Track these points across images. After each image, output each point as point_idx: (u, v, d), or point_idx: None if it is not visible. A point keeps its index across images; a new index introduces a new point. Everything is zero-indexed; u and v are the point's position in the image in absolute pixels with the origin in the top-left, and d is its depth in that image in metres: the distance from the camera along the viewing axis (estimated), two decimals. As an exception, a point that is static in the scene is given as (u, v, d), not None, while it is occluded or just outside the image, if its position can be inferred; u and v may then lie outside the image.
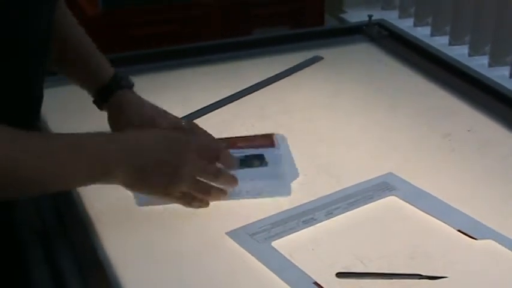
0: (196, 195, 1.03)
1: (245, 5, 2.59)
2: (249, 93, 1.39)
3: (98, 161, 0.95)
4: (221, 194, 1.05)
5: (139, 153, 0.98)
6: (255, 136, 1.22)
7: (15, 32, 0.92)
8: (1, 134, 0.87)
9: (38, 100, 1.05)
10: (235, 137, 1.20)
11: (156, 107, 1.15)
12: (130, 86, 1.16)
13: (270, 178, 1.11)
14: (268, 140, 1.20)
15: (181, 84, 1.19)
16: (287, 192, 1.09)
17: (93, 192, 1.05)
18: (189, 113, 1.29)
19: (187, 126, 1.14)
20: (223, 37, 1.73)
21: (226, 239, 0.99)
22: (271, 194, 1.08)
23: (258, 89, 1.42)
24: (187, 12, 2.50)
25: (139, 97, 1.16)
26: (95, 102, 1.17)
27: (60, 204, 1.05)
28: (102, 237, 1.00)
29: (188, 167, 1.00)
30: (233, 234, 1.00)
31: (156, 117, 1.12)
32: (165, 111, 1.14)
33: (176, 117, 1.15)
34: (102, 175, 0.95)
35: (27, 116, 1.04)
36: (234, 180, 1.05)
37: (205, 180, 1.03)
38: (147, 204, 1.06)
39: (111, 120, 1.15)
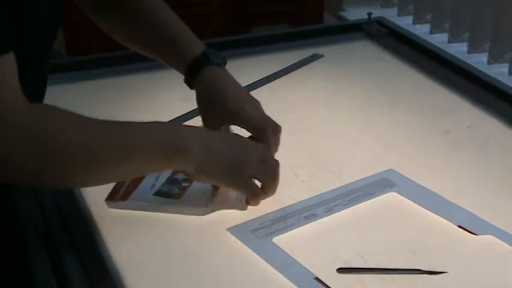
0: (264, 179, 1.03)
1: (244, 3, 2.60)
2: (248, 91, 1.39)
3: (173, 135, 0.97)
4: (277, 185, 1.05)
5: (211, 136, 1.02)
6: None
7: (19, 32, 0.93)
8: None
9: (41, 94, 1.06)
10: None
11: (250, 96, 1.15)
12: (221, 63, 1.15)
13: None
14: None
15: (181, 82, 1.19)
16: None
17: (97, 194, 1.05)
18: (188, 111, 1.29)
19: (272, 127, 1.11)
20: (223, 35, 1.73)
21: (227, 235, 1.00)
22: None
23: (257, 87, 1.42)
24: (187, 10, 2.51)
25: (229, 78, 1.15)
26: (185, 81, 1.15)
27: (64, 206, 1.06)
28: (105, 236, 1.00)
29: (254, 155, 1.02)
30: (234, 230, 1.00)
31: (249, 108, 1.11)
32: (257, 104, 1.14)
33: (267, 117, 1.13)
34: (177, 152, 0.95)
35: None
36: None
37: None
38: (116, 207, 1.06)
39: (198, 102, 1.13)
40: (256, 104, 1.13)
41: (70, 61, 1.41)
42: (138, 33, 1.18)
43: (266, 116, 1.12)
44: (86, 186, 1.03)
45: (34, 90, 1.03)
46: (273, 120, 1.12)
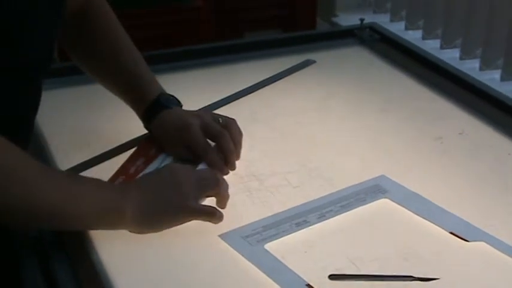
0: (208, 191, 1.01)
1: (236, 8, 2.60)
2: (240, 97, 1.39)
3: (102, 195, 0.96)
4: (226, 187, 1.04)
5: (138, 186, 1.00)
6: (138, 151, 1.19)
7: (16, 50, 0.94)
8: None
9: (35, 102, 1.06)
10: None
11: (193, 112, 1.16)
12: (175, 105, 1.18)
13: None
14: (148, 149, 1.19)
15: (171, 88, 1.19)
16: None
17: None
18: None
19: (223, 124, 1.14)
20: (215, 41, 1.73)
21: (219, 241, 0.99)
22: None
23: (249, 93, 1.42)
24: (178, 15, 2.51)
25: (180, 109, 1.18)
26: (144, 126, 1.19)
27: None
28: (95, 242, 0.99)
29: (189, 178, 1.00)
30: (226, 236, 1.00)
31: (190, 118, 1.13)
32: (202, 113, 1.16)
33: (213, 116, 1.16)
34: (107, 213, 0.95)
35: (23, 117, 1.04)
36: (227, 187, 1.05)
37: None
38: None
39: (157, 139, 1.17)
40: (193, 118, 1.14)
41: (62, 66, 1.40)
42: (96, 67, 1.22)
43: (212, 120, 1.15)
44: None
45: (26, 108, 1.04)
46: (223, 117, 1.16)
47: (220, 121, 1.15)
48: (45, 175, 0.93)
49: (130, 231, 0.98)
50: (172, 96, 1.19)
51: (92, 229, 0.99)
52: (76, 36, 1.19)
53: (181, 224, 0.99)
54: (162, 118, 1.16)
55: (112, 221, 0.96)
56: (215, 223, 1.00)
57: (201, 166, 1.11)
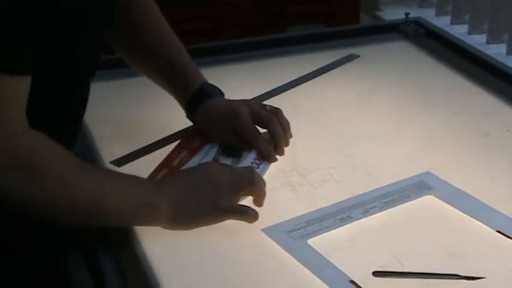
0: (243, 192, 1.00)
1: (280, 2, 2.59)
2: (283, 91, 1.39)
3: (136, 190, 0.97)
4: (263, 186, 1.03)
5: (173, 183, 1.00)
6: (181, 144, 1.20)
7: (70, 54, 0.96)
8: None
9: (84, 99, 1.08)
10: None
11: (240, 100, 1.18)
12: (218, 96, 1.19)
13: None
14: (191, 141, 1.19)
15: (215, 81, 1.19)
16: None
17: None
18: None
19: (271, 112, 1.16)
20: (258, 35, 1.73)
21: (262, 235, 0.99)
22: None
23: (292, 87, 1.41)
24: (223, 9, 2.51)
25: (225, 99, 1.19)
26: (187, 117, 1.20)
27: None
28: (140, 235, 1.00)
29: (224, 179, 1.00)
30: (269, 230, 1.00)
31: (238, 106, 1.15)
32: (250, 101, 1.18)
33: (260, 104, 1.19)
34: (142, 208, 0.96)
35: (73, 114, 1.06)
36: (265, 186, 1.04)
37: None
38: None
39: (203, 127, 1.19)
40: (241, 105, 1.16)
41: (106, 59, 1.41)
42: (142, 59, 1.23)
43: (259, 108, 1.16)
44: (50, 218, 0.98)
45: (74, 108, 1.05)
46: (269, 106, 1.18)
47: (268, 109, 1.16)
48: (81, 170, 0.93)
49: (163, 228, 0.98)
50: (215, 86, 1.19)
51: (128, 225, 0.99)
52: (122, 30, 1.19)
53: (214, 223, 0.99)
54: (207, 107, 1.17)
55: (146, 216, 0.96)
56: (249, 222, 0.99)
57: (251, 155, 1.11)
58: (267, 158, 1.12)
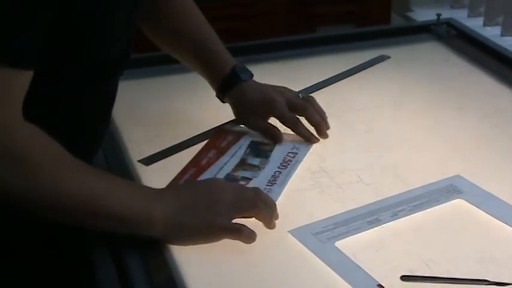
0: (244, 214, 0.98)
1: (310, 2, 2.58)
2: (313, 91, 1.38)
3: (131, 195, 0.95)
4: (268, 208, 1.00)
5: (175, 194, 0.98)
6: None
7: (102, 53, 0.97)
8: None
9: (112, 95, 1.08)
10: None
11: (274, 87, 1.22)
12: (248, 78, 1.22)
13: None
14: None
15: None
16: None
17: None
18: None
19: (305, 100, 1.21)
20: (288, 34, 1.72)
21: (289, 237, 0.98)
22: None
23: (323, 87, 1.40)
24: (252, 8, 2.51)
25: (258, 84, 1.22)
26: (217, 96, 1.23)
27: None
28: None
29: (226, 198, 0.97)
30: (296, 232, 0.99)
31: (273, 94, 1.19)
32: (283, 89, 1.22)
33: (293, 92, 1.23)
34: (135, 214, 0.94)
35: (101, 110, 1.06)
36: (274, 208, 1.01)
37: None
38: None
39: (235, 115, 1.23)
40: (277, 91, 1.21)
41: (134, 58, 1.41)
42: (176, 45, 1.26)
43: (294, 96, 1.22)
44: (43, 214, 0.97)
45: (101, 107, 1.05)
46: (303, 94, 1.25)
47: (301, 96, 1.21)
48: (74, 168, 0.92)
49: (159, 238, 0.96)
50: (246, 68, 1.23)
51: (121, 230, 0.96)
52: (155, 18, 1.22)
53: (209, 241, 0.96)
54: (239, 90, 1.20)
55: (139, 224, 0.94)
56: (245, 243, 0.96)
57: (277, 159, 1.12)
58: (309, 139, 1.18)
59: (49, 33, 0.87)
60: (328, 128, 1.21)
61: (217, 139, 1.20)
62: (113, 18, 0.96)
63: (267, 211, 0.99)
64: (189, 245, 0.96)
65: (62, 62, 0.92)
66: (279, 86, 1.23)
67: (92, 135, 1.00)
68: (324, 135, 1.20)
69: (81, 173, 0.92)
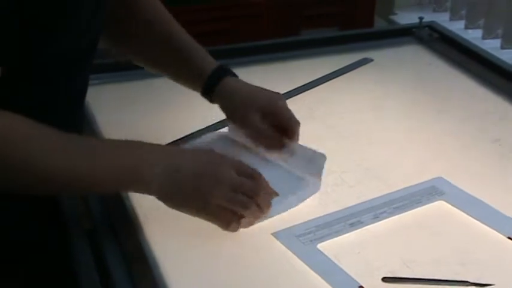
0: (234, 209, 0.97)
1: (294, 5, 2.59)
2: (296, 94, 1.39)
3: (128, 161, 0.94)
4: (259, 212, 0.99)
5: (174, 157, 0.97)
6: None
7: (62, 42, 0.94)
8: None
9: (82, 92, 1.07)
10: None
11: (271, 91, 1.16)
12: (235, 74, 1.18)
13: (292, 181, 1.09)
14: None
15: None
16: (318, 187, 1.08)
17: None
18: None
19: (280, 103, 1.15)
20: (271, 37, 1.73)
21: (271, 239, 0.99)
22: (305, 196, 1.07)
23: (306, 90, 1.41)
24: (237, 11, 2.51)
25: (248, 83, 1.17)
26: (203, 94, 1.17)
27: (110, 205, 1.06)
28: (149, 236, 1.00)
29: (226, 179, 0.96)
30: (279, 235, 1.00)
31: (274, 93, 1.16)
32: (281, 96, 1.17)
33: (275, 93, 1.17)
34: (131, 178, 0.94)
35: (70, 106, 1.05)
36: (268, 205, 1.01)
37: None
38: None
39: (227, 110, 1.16)
40: (281, 95, 1.17)
41: (119, 61, 1.41)
42: (145, 48, 1.20)
43: (276, 93, 1.17)
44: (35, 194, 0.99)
45: (73, 98, 1.04)
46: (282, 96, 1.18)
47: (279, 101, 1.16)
48: (61, 148, 0.91)
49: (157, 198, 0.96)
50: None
51: (112, 189, 0.97)
52: (124, 31, 1.18)
53: (196, 216, 0.97)
54: (234, 83, 1.15)
55: (130, 181, 0.94)
56: (230, 231, 0.98)
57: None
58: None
59: (14, 26, 0.86)
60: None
61: None
62: (82, 7, 0.94)
63: (254, 214, 0.99)
64: (177, 206, 0.96)
65: (30, 55, 0.91)
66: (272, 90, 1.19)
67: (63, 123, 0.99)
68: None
69: (67, 153, 0.91)
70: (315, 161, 1.11)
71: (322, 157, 1.11)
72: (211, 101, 1.17)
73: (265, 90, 1.16)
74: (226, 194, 0.96)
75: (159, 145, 0.99)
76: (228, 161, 1.00)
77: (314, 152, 1.12)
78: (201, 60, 1.17)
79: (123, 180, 0.94)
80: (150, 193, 0.95)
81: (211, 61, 1.17)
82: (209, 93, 1.16)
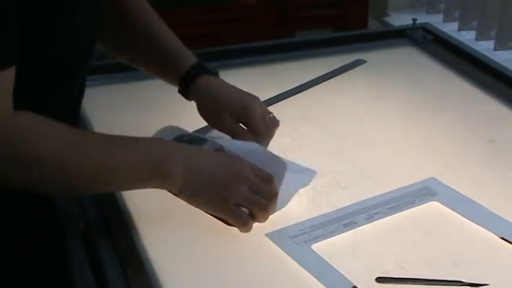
0: (252, 210, 0.98)
1: (288, 7, 2.59)
2: (290, 96, 1.39)
3: (155, 154, 0.96)
4: (269, 214, 1.01)
5: (199, 156, 0.99)
6: None
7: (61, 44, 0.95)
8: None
9: (80, 93, 1.07)
10: None
11: (247, 94, 1.15)
12: (215, 72, 1.16)
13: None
14: None
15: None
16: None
17: (136, 194, 1.05)
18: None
19: (271, 123, 1.14)
20: (266, 39, 1.73)
21: (266, 240, 0.99)
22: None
23: (299, 92, 1.41)
24: (230, 13, 2.51)
25: (227, 83, 1.16)
26: (180, 91, 1.16)
27: (104, 206, 1.06)
28: (143, 236, 1.00)
29: (247, 179, 0.98)
30: (273, 236, 1.00)
31: (252, 97, 1.14)
32: (256, 101, 1.15)
33: (265, 109, 1.16)
34: (156, 173, 0.95)
35: (68, 107, 1.05)
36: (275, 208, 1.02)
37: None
38: None
39: (201, 109, 1.15)
40: (256, 100, 1.15)
41: (115, 62, 1.41)
42: (130, 45, 1.19)
43: (266, 110, 1.15)
44: (59, 194, 1.02)
45: (72, 98, 1.05)
46: (272, 115, 1.16)
47: (271, 116, 1.15)
48: (78, 146, 0.93)
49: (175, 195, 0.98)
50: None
51: (132, 184, 0.98)
52: (111, 31, 1.17)
53: (214, 213, 0.99)
54: (210, 82, 1.14)
55: (153, 174, 0.95)
56: (242, 231, 0.99)
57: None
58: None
59: (14, 26, 0.87)
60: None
61: None
62: (82, 7, 0.95)
63: (265, 216, 1.00)
64: (197, 202, 0.98)
65: (30, 55, 0.91)
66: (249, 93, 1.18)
67: None
68: None
69: (85, 150, 0.92)
70: (303, 173, 1.12)
71: (310, 172, 1.11)
72: (187, 98, 1.16)
73: (241, 92, 1.15)
74: (245, 194, 0.97)
75: (177, 143, 1.02)
76: (247, 163, 1.01)
77: (303, 167, 1.13)
78: (180, 58, 1.16)
79: (146, 174, 0.95)
80: (171, 188, 0.97)
81: (190, 58, 1.16)
82: (185, 90, 1.16)
